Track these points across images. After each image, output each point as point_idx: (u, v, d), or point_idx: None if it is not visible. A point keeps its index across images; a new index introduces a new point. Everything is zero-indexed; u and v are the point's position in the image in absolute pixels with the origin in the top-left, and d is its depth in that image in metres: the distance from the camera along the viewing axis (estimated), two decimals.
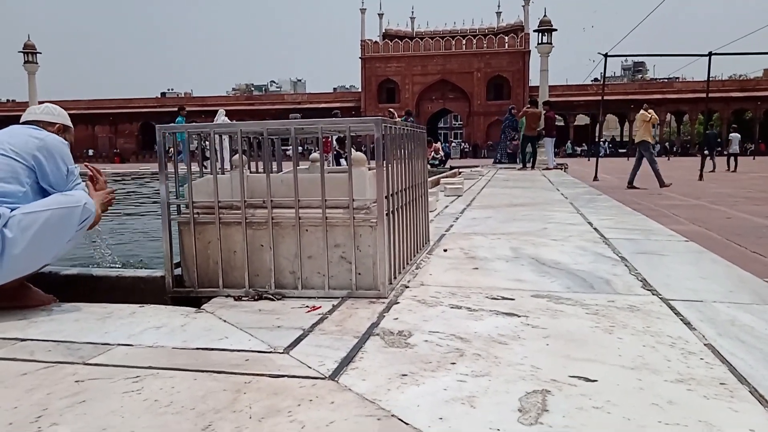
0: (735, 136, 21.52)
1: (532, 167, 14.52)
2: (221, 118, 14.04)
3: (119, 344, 1.76)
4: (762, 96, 47.99)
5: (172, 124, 2.42)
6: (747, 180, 13.63)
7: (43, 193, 2.21)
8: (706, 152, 17.40)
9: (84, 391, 1.41)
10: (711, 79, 14.62)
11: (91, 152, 50.10)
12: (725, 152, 21.58)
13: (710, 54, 13.47)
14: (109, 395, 1.38)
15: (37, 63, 24.28)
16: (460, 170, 13.93)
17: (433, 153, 16.76)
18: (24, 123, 2.39)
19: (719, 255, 3.10)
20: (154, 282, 2.49)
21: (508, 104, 44.94)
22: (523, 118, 14.99)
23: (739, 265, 2.83)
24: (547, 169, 14.04)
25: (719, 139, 22.34)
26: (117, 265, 3.56)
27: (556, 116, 16.28)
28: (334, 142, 13.09)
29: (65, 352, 1.70)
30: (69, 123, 2.53)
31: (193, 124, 2.45)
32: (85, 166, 2.57)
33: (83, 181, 2.36)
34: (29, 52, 24.07)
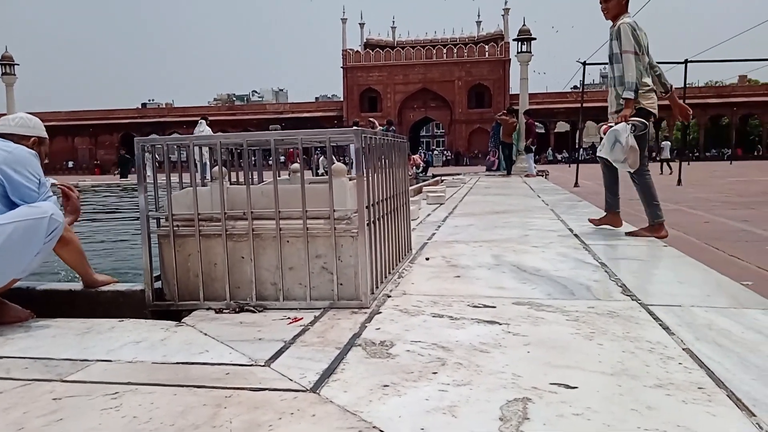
0: (666, 144, 24.14)
1: (508, 174, 14.70)
2: (202, 128, 13.97)
3: (98, 360, 1.74)
4: (738, 102, 48.85)
5: (151, 137, 2.40)
6: (724, 185, 13.83)
7: (13, 206, 2.15)
8: (655, 156, 18.81)
9: (61, 409, 1.38)
10: (688, 86, 14.84)
11: (71, 164, 49.56)
12: (655, 158, 23.31)
13: (686, 61, 13.68)
14: (86, 413, 1.36)
15: (15, 75, 23.97)
16: (443, 178, 13.99)
17: (414, 168, 16.83)
18: None
19: (697, 259, 3.14)
20: (134, 296, 2.46)
21: (489, 112, 45.22)
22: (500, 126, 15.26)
23: (717, 269, 2.87)
24: (528, 176, 14.18)
25: (660, 147, 24.49)
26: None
27: (536, 123, 16.48)
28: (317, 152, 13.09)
29: (42, 370, 1.67)
30: (44, 135, 2.48)
31: (173, 135, 2.44)
32: (57, 184, 2.52)
33: (55, 195, 2.32)
34: (7, 63, 23.75)
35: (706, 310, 2.10)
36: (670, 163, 20.87)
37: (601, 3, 4.07)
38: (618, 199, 4.33)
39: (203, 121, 14.62)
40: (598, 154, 4.18)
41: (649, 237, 3.90)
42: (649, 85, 3.98)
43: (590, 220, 4.51)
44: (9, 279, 2.13)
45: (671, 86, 4.26)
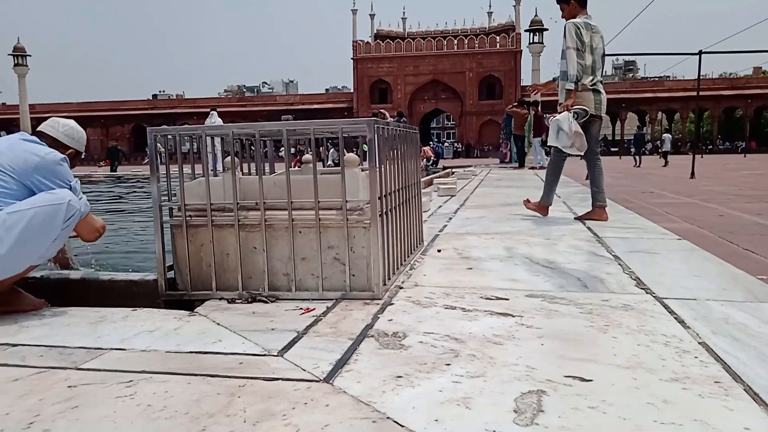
0: (667, 137, 25.99)
1: (520, 166, 14.63)
2: (214, 119, 14.02)
3: (112, 348, 1.75)
4: (752, 94, 48.32)
5: (163, 127, 2.40)
6: (738, 177, 13.70)
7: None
8: (632, 150, 22.05)
9: (76, 397, 1.39)
10: (701, 77, 14.70)
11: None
12: (658, 151, 26.21)
13: (700, 53, 13.54)
14: (101, 400, 1.37)
15: (27, 66, 24.13)
16: (453, 170, 13.95)
17: (424, 160, 16.80)
18: (36, 132, 2.37)
19: (712, 253, 3.11)
20: (146, 285, 2.47)
21: (500, 104, 45.03)
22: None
23: (732, 263, 2.84)
24: (533, 168, 14.11)
25: (648, 140, 27.36)
26: (109, 269, 3.54)
27: (545, 114, 16.43)
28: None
29: (57, 357, 1.68)
30: (83, 149, 2.52)
31: (185, 126, 2.44)
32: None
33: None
34: (19, 54, 23.90)
35: (722, 303, 2.08)
36: (668, 156, 23.24)
37: (559, 6, 4.49)
38: (553, 193, 4.79)
39: (214, 113, 14.66)
40: (548, 143, 4.56)
41: (594, 220, 4.34)
42: (587, 84, 4.31)
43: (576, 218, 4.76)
44: (28, 264, 2.15)
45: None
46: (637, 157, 23.66)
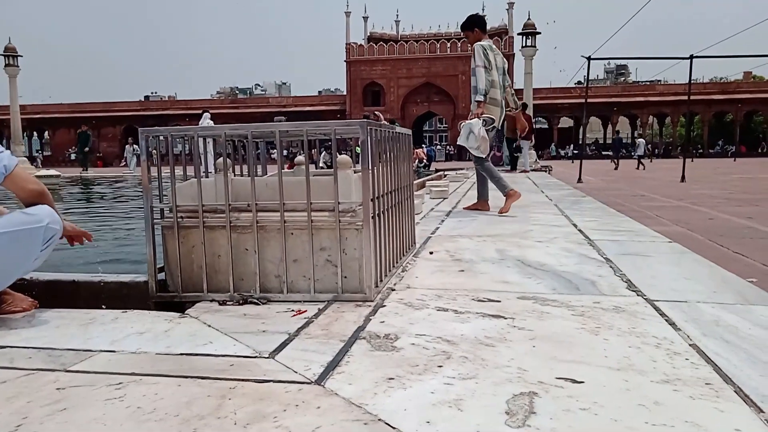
0: (641, 141, 27.23)
1: (513, 169, 14.69)
2: (206, 121, 13.99)
3: (102, 350, 1.74)
4: (742, 98, 48.67)
5: (155, 128, 2.39)
6: (728, 181, 13.79)
7: None
8: (611, 154, 24.02)
9: (65, 399, 1.38)
10: (692, 81, 14.78)
11: (73, 156, 49.60)
12: (633, 155, 27.14)
13: (691, 57, 13.62)
14: (91, 403, 1.36)
15: (18, 66, 23.96)
16: (445, 173, 13.97)
17: (416, 162, 16.79)
18: None
19: (702, 256, 3.13)
20: (137, 287, 2.46)
21: None
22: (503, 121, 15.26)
23: (722, 266, 2.86)
24: (524, 171, 14.16)
25: (625, 143, 29.00)
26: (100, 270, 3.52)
27: (538, 118, 16.57)
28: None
29: (46, 359, 1.67)
30: None
31: (177, 127, 2.43)
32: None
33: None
34: (10, 55, 23.75)
35: (713, 306, 2.09)
36: (643, 160, 24.50)
37: (464, 33, 5.50)
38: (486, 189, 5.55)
39: (207, 114, 14.64)
40: (458, 143, 5.39)
41: (510, 204, 5.06)
42: (494, 98, 5.19)
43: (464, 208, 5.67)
44: (8, 283, 2.10)
45: (518, 105, 5.99)
46: (615, 161, 25.24)
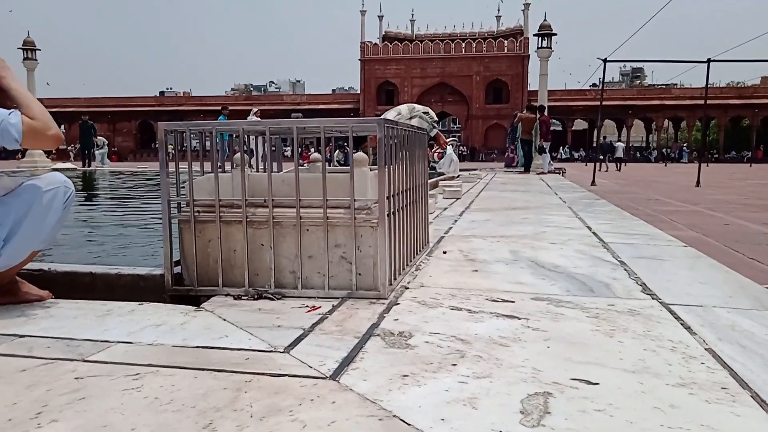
0: (619, 145, 29.44)
1: (526, 170, 14.64)
2: (253, 117, 14.40)
3: (119, 342, 1.76)
4: (759, 104, 48.21)
5: (174, 122, 2.41)
6: (744, 187, 13.66)
7: None
8: (601, 157, 24.51)
9: (83, 388, 1.40)
10: (709, 86, 14.66)
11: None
12: (610, 158, 28.88)
13: (709, 61, 13.51)
14: (108, 392, 1.37)
15: (36, 60, 24.17)
16: (459, 173, 13.94)
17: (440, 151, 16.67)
18: None
19: (718, 261, 3.10)
20: (153, 280, 2.48)
21: (506, 108, 45.04)
22: (519, 123, 15.23)
23: (737, 271, 2.83)
24: (542, 173, 14.11)
25: (614, 147, 30.05)
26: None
27: (552, 120, 16.56)
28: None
29: (64, 349, 1.69)
30: None
31: (195, 122, 2.44)
32: None
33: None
34: (28, 48, 23.96)
35: (729, 311, 2.08)
36: (620, 163, 27.53)
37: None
38: None
39: (255, 110, 15.19)
40: (439, 169, 6.33)
41: None
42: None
43: None
44: (29, 251, 2.14)
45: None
46: (603, 164, 26.78)
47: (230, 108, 17.34)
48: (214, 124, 2.40)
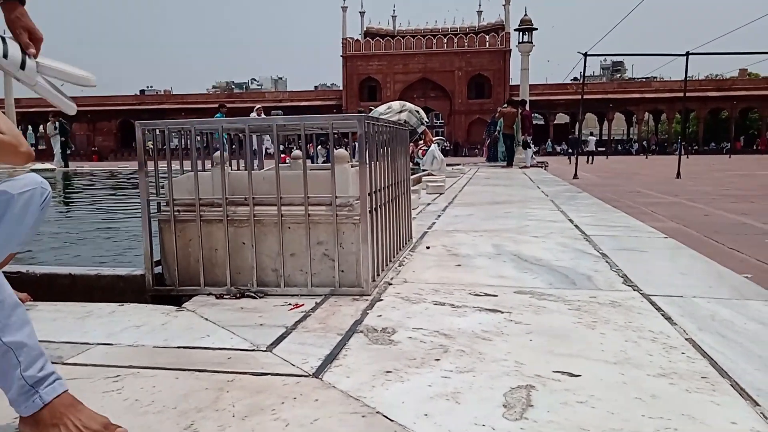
0: (591, 138, 30.47)
1: (509, 165, 14.71)
2: (254, 115, 14.57)
3: (98, 343, 1.73)
4: (738, 95, 48.80)
5: (152, 121, 2.38)
6: (723, 178, 13.83)
7: None
8: (570, 150, 26.92)
9: None
10: (688, 78, 14.81)
11: (68, 150, 49.44)
12: (585, 150, 29.48)
13: (687, 54, 13.64)
14: (88, 395, 1.35)
15: None
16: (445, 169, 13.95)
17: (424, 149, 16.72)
18: None
19: (698, 251, 3.14)
20: (134, 280, 2.45)
21: (488, 103, 45.19)
22: (500, 118, 15.32)
23: (717, 261, 2.86)
24: (525, 167, 14.19)
25: (587, 140, 31.33)
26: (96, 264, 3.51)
27: (534, 114, 16.67)
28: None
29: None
30: None
31: (175, 120, 2.42)
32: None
33: None
34: None
35: (708, 301, 2.10)
36: (591, 156, 28.01)
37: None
38: None
39: (259, 107, 15.37)
40: (423, 167, 6.86)
41: None
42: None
43: None
44: (6, 254, 2.09)
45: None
46: (570, 158, 27.10)
47: (211, 106, 17.19)
48: (193, 122, 2.38)
